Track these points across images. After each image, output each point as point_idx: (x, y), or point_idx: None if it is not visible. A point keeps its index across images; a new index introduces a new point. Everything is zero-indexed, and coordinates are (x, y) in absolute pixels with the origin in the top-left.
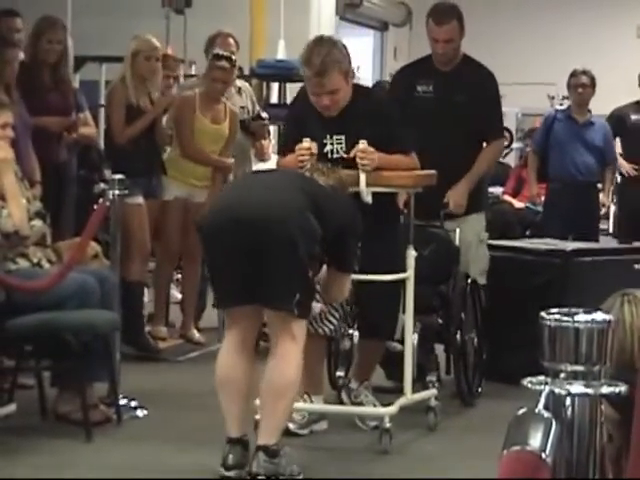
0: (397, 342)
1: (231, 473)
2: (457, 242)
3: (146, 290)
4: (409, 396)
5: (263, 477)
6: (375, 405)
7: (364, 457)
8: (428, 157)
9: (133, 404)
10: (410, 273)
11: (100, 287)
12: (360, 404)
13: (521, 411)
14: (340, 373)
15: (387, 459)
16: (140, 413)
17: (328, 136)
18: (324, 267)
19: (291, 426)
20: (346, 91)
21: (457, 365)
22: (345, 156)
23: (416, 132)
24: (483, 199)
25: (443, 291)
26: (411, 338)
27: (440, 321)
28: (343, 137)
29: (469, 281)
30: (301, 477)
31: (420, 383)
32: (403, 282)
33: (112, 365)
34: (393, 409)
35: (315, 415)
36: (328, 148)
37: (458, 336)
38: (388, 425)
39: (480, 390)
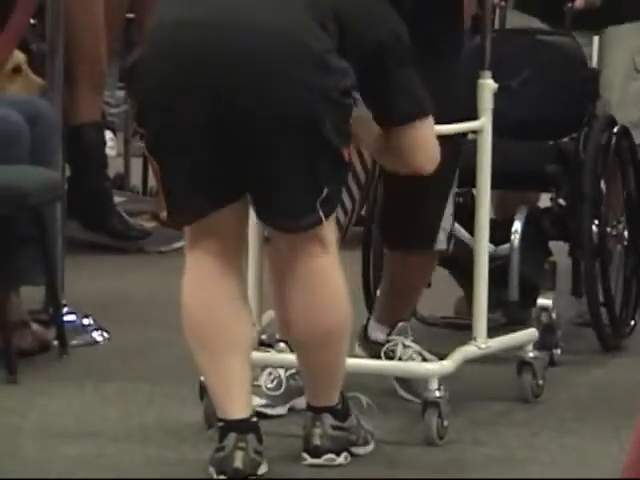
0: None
1: None
2: (594, 63)
3: (109, 136)
4: (481, 342)
5: (332, 455)
6: (424, 357)
7: (383, 458)
8: None
9: (87, 322)
10: (483, 122)
11: (30, 128)
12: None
13: None
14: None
15: (430, 459)
16: (98, 337)
17: None
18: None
19: (255, 401)
20: None
21: (590, 279)
22: None
23: None
24: None
25: (566, 149)
26: (485, 238)
27: (561, 202)
28: None
29: (615, 130)
30: (374, 441)
31: (525, 312)
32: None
33: (51, 258)
34: (445, 365)
35: (299, 379)
36: None
37: (594, 227)
38: (438, 395)
39: (634, 323)
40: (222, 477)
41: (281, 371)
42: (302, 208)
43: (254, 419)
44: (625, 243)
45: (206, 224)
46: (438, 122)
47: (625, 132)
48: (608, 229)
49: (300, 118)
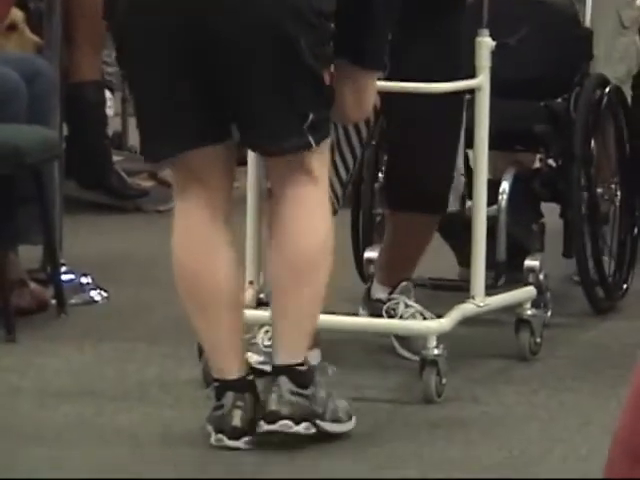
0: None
1: (240, 443)
2: (588, 22)
3: (107, 95)
4: (479, 300)
5: (288, 421)
6: (424, 317)
7: (382, 416)
8: None
9: (85, 281)
10: (481, 80)
11: (28, 87)
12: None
13: None
14: (371, 254)
15: (428, 417)
16: (96, 296)
17: None
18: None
19: (253, 358)
20: None
21: (581, 241)
22: None
23: None
24: None
25: (558, 109)
26: (484, 196)
27: (551, 162)
28: None
29: (607, 90)
30: (352, 423)
31: (514, 274)
32: (469, 104)
33: (49, 217)
34: (443, 323)
35: None
36: None
37: (584, 188)
38: (436, 353)
39: (626, 287)
40: (220, 435)
41: None
42: (287, 131)
43: (250, 377)
44: (618, 204)
45: (191, 169)
46: (439, 80)
47: (617, 91)
48: (600, 190)
49: (272, 37)
